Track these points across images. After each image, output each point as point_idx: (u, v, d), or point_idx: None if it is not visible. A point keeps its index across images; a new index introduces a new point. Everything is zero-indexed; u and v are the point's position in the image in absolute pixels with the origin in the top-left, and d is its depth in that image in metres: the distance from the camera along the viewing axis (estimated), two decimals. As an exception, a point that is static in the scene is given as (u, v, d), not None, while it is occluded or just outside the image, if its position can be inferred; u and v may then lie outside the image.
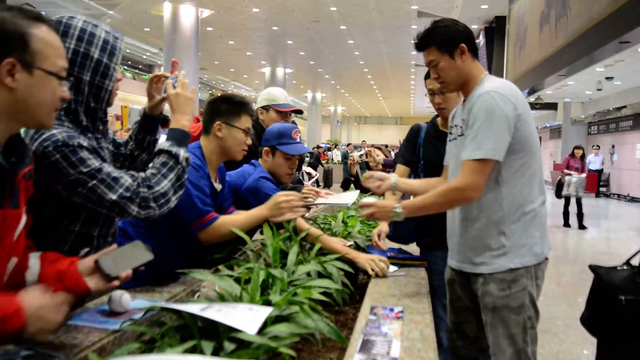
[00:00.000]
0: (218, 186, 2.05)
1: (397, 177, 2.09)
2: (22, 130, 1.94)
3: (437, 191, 1.80)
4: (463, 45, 1.83)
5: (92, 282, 1.23)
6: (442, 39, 1.83)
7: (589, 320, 2.21)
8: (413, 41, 1.92)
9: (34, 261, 1.27)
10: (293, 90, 30.92)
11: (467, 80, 1.86)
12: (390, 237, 2.47)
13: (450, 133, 2.00)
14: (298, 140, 2.29)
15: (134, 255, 1.31)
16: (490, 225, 1.79)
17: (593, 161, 17.99)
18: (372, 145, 4.98)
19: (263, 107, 2.85)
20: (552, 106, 22.23)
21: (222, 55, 21.57)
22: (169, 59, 14.38)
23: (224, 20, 15.77)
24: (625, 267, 2.15)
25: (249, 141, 2.06)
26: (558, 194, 10.10)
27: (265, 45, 19.55)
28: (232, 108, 2.02)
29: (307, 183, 4.35)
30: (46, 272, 1.25)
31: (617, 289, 2.06)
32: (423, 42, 1.88)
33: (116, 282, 1.26)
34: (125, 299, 1.45)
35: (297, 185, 3.03)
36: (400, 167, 2.62)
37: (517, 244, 1.78)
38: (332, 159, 21.74)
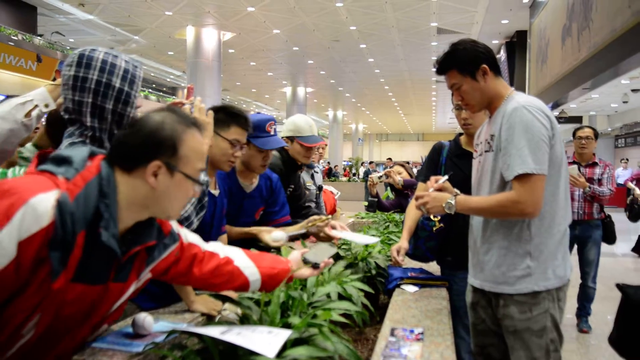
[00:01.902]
0: (216, 192, 2.07)
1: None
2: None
3: (495, 198, 1.75)
4: (484, 66, 1.80)
5: (300, 272, 1.54)
6: (462, 62, 1.81)
7: (617, 341, 2.15)
8: (434, 65, 1.90)
9: (249, 264, 1.44)
10: (314, 109, 31.14)
11: (493, 99, 1.84)
12: (409, 255, 2.45)
13: (475, 151, 1.97)
14: (272, 133, 2.24)
15: (326, 249, 1.66)
16: (516, 244, 1.75)
17: (622, 175, 17.61)
18: (395, 163, 4.91)
19: (288, 137, 2.77)
20: (577, 120, 21.83)
21: (244, 76, 21.91)
22: (192, 81, 14.68)
23: (246, 42, 16.06)
24: None
25: (238, 153, 2.03)
26: (636, 217, 8.20)
27: (286, 66, 19.80)
28: (224, 118, 2.01)
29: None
30: (272, 271, 1.47)
31: None
32: (443, 66, 1.86)
33: (322, 266, 1.56)
34: (148, 321, 1.47)
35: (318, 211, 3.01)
36: (421, 186, 2.60)
37: (542, 266, 1.73)
38: (357, 177, 21.64)
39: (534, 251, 1.73)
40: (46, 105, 1.82)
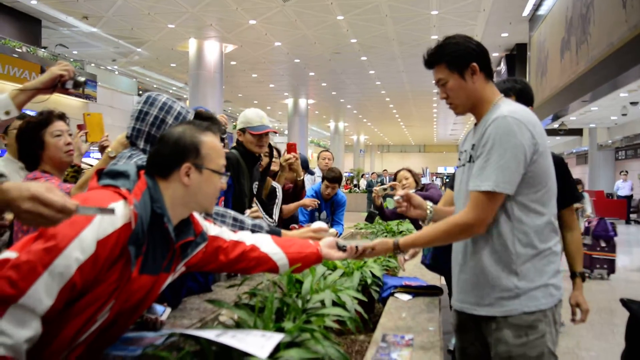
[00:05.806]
0: None
1: (433, 208, 1.92)
2: None
3: (439, 226, 1.67)
4: (474, 64, 1.67)
5: (329, 253, 1.71)
6: (451, 57, 1.69)
7: (625, 357, 2.09)
8: (423, 58, 1.78)
9: (276, 250, 1.63)
10: (316, 121, 31.26)
11: (478, 102, 1.71)
12: (427, 265, 2.49)
13: (459, 159, 1.84)
14: None
15: (363, 242, 1.80)
16: (501, 263, 1.62)
17: (622, 187, 17.64)
18: (402, 169, 4.84)
19: (240, 130, 2.92)
20: (577, 132, 21.98)
21: (246, 87, 22.04)
22: (194, 93, 14.82)
23: (247, 54, 16.20)
24: None
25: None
26: None
27: (288, 77, 19.93)
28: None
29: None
30: (299, 255, 1.66)
31: None
32: (432, 59, 1.74)
33: (349, 249, 1.72)
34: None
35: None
36: (448, 193, 2.32)
37: (530, 285, 1.60)
38: (358, 188, 21.71)
39: (520, 270, 1.61)
40: (7, 113, 1.83)
